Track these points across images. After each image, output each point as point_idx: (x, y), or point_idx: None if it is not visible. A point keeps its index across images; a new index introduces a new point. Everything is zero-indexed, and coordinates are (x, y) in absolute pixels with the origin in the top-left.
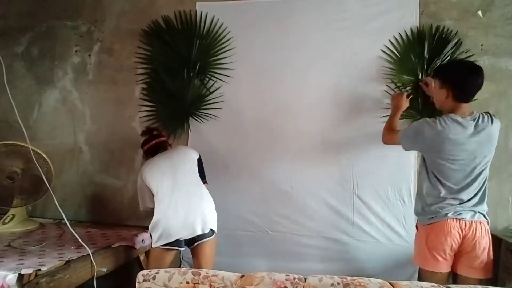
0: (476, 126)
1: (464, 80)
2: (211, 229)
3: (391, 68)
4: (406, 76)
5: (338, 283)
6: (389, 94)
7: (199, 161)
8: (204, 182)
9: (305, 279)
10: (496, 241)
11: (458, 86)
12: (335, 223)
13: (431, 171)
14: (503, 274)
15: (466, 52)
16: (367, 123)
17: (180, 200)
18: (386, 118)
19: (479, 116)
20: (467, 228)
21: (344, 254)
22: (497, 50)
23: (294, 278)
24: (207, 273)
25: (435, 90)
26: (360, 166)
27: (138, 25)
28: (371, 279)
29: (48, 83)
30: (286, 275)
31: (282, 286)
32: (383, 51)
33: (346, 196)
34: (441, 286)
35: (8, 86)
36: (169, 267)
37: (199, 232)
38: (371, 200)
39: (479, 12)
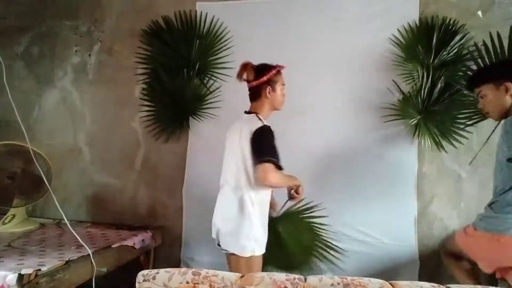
0: None
1: None
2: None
3: (395, 63)
4: (406, 75)
5: (338, 283)
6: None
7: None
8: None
9: (305, 279)
10: None
11: None
12: (336, 223)
13: None
14: None
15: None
16: (368, 121)
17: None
18: (388, 118)
19: None
20: None
21: (345, 253)
22: None
23: (294, 278)
24: (207, 273)
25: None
26: (362, 165)
27: (138, 25)
28: (371, 279)
29: (48, 83)
30: (286, 275)
31: (282, 286)
32: (386, 48)
33: (346, 195)
34: (441, 286)
35: (8, 86)
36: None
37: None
38: (372, 199)
39: (479, 12)
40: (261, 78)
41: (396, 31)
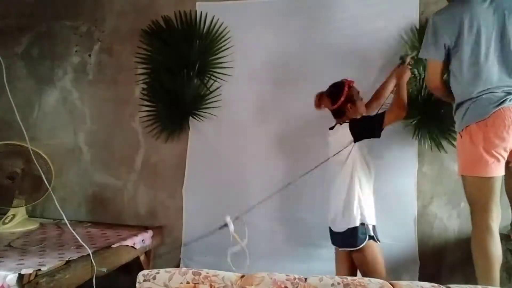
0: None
1: None
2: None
3: (395, 64)
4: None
5: (339, 283)
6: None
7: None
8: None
9: (306, 279)
10: None
11: None
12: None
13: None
14: (503, 274)
15: None
16: None
17: None
18: None
19: None
20: None
21: None
22: None
23: (295, 278)
24: (207, 273)
25: None
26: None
27: (138, 25)
28: (371, 279)
29: (48, 83)
30: (287, 275)
31: (283, 286)
32: (386, 48)
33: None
34: (441, 286)
35: (8, 86)
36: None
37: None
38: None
39: None
40: (338, 102)
41: (396, 32)
